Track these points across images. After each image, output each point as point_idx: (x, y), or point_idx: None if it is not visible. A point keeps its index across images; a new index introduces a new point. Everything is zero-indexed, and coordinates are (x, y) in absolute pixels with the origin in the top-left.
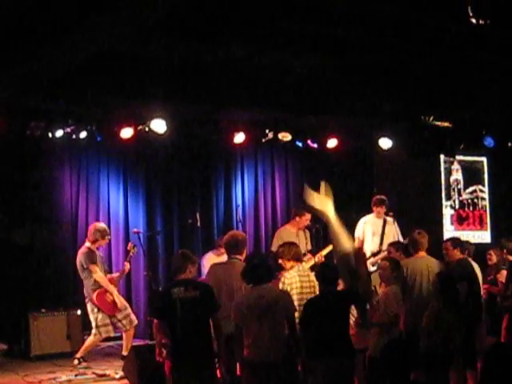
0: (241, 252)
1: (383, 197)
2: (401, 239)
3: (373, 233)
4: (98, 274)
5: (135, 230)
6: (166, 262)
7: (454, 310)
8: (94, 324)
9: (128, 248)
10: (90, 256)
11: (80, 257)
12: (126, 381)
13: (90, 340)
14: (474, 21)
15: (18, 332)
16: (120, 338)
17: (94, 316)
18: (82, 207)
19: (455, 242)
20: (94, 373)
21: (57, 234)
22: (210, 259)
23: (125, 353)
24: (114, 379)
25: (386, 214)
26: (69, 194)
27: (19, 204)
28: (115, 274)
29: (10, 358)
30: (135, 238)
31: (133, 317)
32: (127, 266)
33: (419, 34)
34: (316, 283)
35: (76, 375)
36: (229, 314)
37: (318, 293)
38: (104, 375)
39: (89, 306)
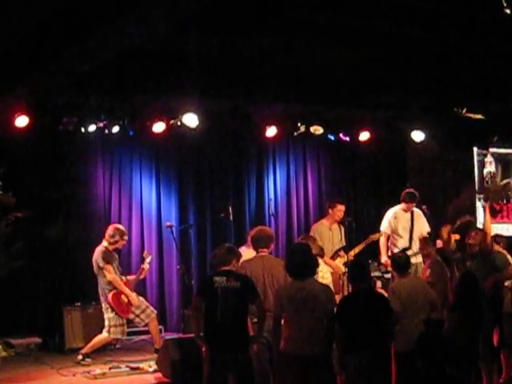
0: (268, 246)
1: (414, 192)
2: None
3: (403, 228)
4: (112, 274)
5: (168, 223)
6: (199, 253)
7: (478, 304)
8: (106, 323)
9: (144, 255)
10: (107, 256)
11: (96, 255)
12: (159, 374)
13: (99, 338)
14: (508, 11)
15: (52, 326)
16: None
17: (108, 315)
18: (114, 201)
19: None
20: (127, 366)
21: (90, 229)
22: (243, 253)
23: (157, 346)
24: (147, 372)
25: (419, 207)
26: (102, 189)
27: (52, 199)
28: (130, 277)
29: (44, 352)
30: (168, 232)
31: (150, 310)
32: (143, 267)
33: (452, 25)
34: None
35: (110, 368)
36: None
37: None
38: (137, 368)
39: (103, 305)
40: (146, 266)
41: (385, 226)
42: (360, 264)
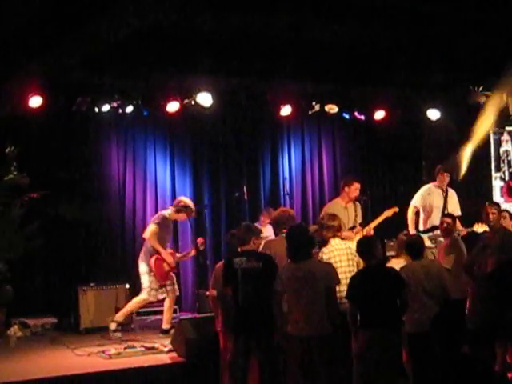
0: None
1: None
2: (459, 213)
3: (436, 206)
4: (149, 233)
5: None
6: (214, 233)
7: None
8: (146, 285)
9: (198, 242)
10: (162, 220)
11: (154, 217)
12: (174, 354)
13: (136, 300)
14: None
15: (67, 306)
16: None
17: (148, 278)
18: (129, 181)
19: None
20: (142, 346)
21: (105, 209)
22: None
23: (165, 326)
24: (162, 352)
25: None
26: (116, 169)
27: (67, 179)
28: (179, 254)
29: (59, 332)
30: None
31: (175, 287)
32: (193, 252)
33: (467, 3)
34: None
35: (125, 348)
36: None
37: (358, 266)
38: (153, 348)
39: (143, 267)
40: (193, 251)
41: (417, 200)
42: (368, 241)
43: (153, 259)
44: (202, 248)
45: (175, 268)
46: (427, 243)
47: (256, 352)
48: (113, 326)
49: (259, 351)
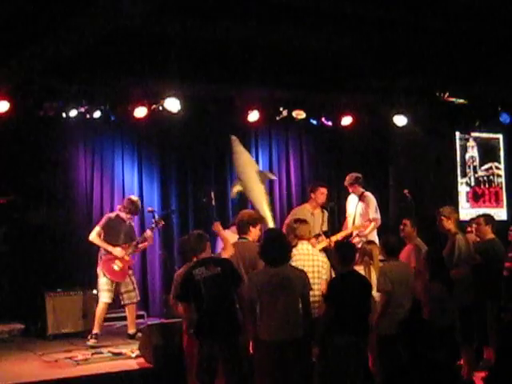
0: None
1: (358, 174)
2: (374, 216)
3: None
4: (92, 234)
5: (149, 208)
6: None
7: (442, 284)
8: (99, 288)
9: (155, 220)
10: (103, 219)
11: None
12: (142, 359)
13: (98, 310)
14: None
15: (34, 312)
16: (138, 316)
17: (101, 280)
18: (96, 187)
19: (489, 219)
20: (110, 351)
21: (72, 214)
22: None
23: (131, 330)
24: (130, 358)
25: (401, 190)
26: (83, 174)
27: (34, 184)
28: (131, 248)
29: (26, 338)
30: (150, 217)
31: (135, 293)
32: (149, 233)
33: (432, 8)
34: (321, 263)
35: (92, 354)
36: None
37: (322, 273)
38: (120, 353)
39: (98, 271)
40: (148, 232)
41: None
42: (347, 246)
43: (102, 260)
44: (158, 225)
45: (129, 262)
46: None
47: (221, 357)
48: (92, 342)
49: (224, 356)
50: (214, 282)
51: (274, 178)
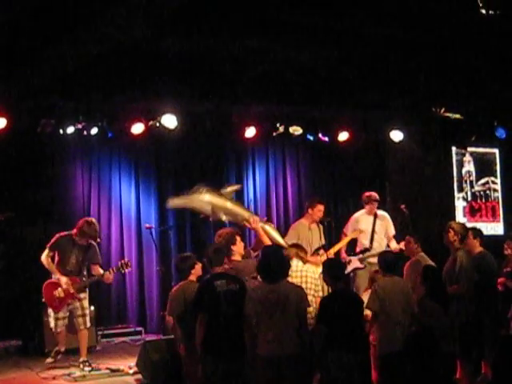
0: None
1: (375, 194)
2: (392, 233)
3: (363, 230)
4: (43, 255)
5: (147, 225)
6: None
7: (435, 298)
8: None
9: (122, 262)
10: (53, 240)
11: None
12: (139, 376)
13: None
14: (483, 11)
15: (31, 328)
16: (136, 333)
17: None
18: (93, 203)
19: (477, 232)
20: (107, 368)
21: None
22: None
23: (81, 358)
24: (127, 374)
25: (398, 206)
26: (81, 191)
27: (31, 201)
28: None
29: (24, 355)
30: (147, 234)
31: (82, 320)
32: (107, 274)
33: (429, 24)
34: (310, 279)
35: (90, 371)
36: None
37: (312, 289)
38: (118, 370)
39: None
40: (110, 274)
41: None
42: (336, 264)
43: (47, 281)
44: (127, 269)
45: (73, 295)
46: (356, 264)
47: (224, 379)
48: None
49: (231, 374)
50: (233, 298)
51: (237, 187)
